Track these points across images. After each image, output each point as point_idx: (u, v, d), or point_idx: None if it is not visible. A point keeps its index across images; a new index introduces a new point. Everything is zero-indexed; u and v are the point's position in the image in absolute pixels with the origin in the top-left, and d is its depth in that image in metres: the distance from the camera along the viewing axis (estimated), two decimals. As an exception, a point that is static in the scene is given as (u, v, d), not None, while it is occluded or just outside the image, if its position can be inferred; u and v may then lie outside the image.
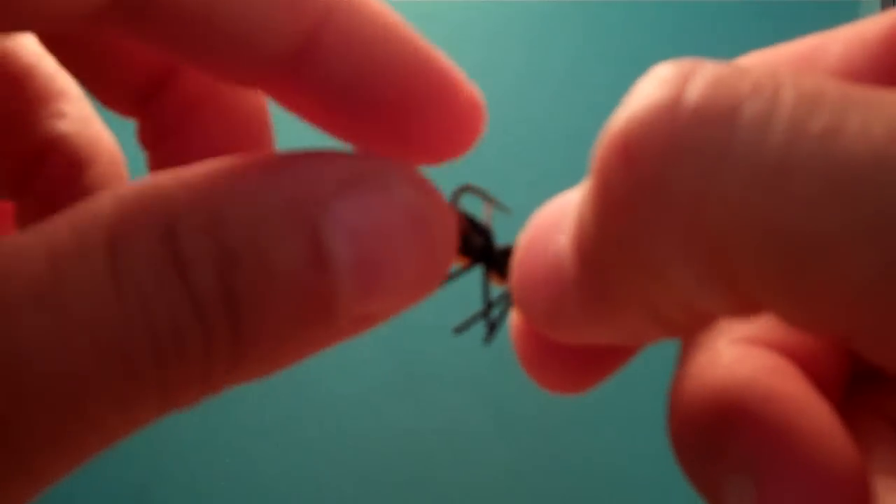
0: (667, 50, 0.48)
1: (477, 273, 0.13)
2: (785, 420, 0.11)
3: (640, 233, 0.09)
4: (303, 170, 0.11)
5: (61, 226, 0.10)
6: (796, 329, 0.10)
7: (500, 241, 0.13)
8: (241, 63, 0.11)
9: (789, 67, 0.13)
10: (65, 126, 0.15)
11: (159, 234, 0.10)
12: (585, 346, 0.13)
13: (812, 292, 0.09)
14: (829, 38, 0.13)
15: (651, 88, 0.10)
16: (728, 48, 0.50)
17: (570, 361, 0.13)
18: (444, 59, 0.12)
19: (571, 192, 0.12)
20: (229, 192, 0.10)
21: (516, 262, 0.12)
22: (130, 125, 0.15)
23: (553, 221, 0.12)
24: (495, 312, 0.14)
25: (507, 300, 0.13)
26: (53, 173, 0.15)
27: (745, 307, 0.10)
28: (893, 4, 0.60)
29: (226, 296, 0.10)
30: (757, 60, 0.13)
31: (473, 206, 0.13)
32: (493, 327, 0.14)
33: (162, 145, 0.14)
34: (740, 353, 0.12)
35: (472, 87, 0.13)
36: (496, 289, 0.14)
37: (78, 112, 0.15)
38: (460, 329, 0.14)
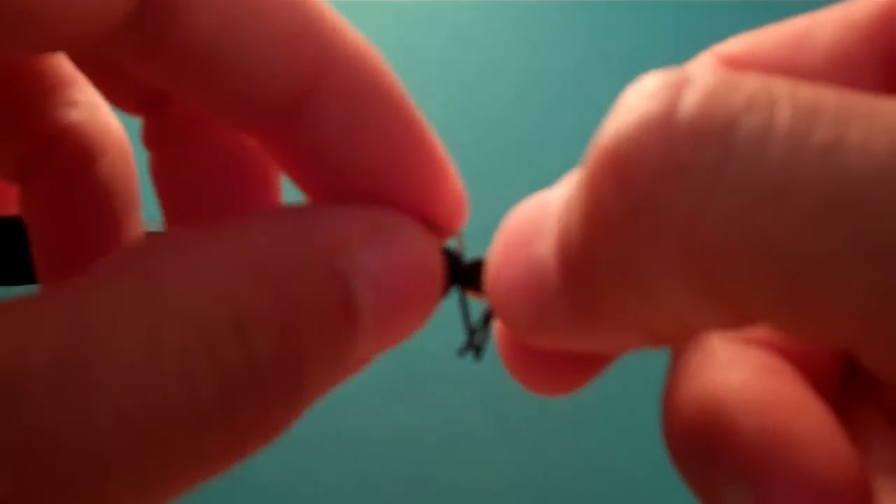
0: (667, 50, 0.48)
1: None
2: (781, 425, 0.11)
3: (633, 251, 0.09)
4: (330, 224, 0.11)
5: (92, 288, 0.09)
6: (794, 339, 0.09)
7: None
8: (238, 106, 0.12)
9: (781, 53, 0.12)
10: (76, 115, 0.15)
11: (217, 292, 0.10)
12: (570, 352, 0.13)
13: (814, 311, 0.08)
14: (819, 20, 0.12)
15: (641, 101, 0.09)
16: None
17: (555, 365, 0.13)
18: (435, 138, 0.13)
19: (547, 194, 0.12)
20: (274, 251, 0.11)
21: (494, 270, 0.12)
22: (134, 123, 0.15)
23: (531, 227, 0.12)
24: (479, 330, 0.14)
25: (488, 313, 0.14)
26: (63, 161, 0.14)
27: (741, 321, 0.09)
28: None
29: (285, 355, 0.10)
30: (746, 45, 0.12)
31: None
32: (478, 349, 0.14)
33: (166, 148, 0.14)
34: (734, 353, 0.12)
35: (456, 176, 0.13)
36: (476, 302, 0.14)
37: (89, 101, 0.15)
38: (464, 352, 0.15)
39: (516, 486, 0.48)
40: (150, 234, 0.14)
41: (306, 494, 0.48)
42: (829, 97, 0.09)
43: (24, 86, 0.14)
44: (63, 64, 0.14)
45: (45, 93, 0.14)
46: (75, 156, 0.14)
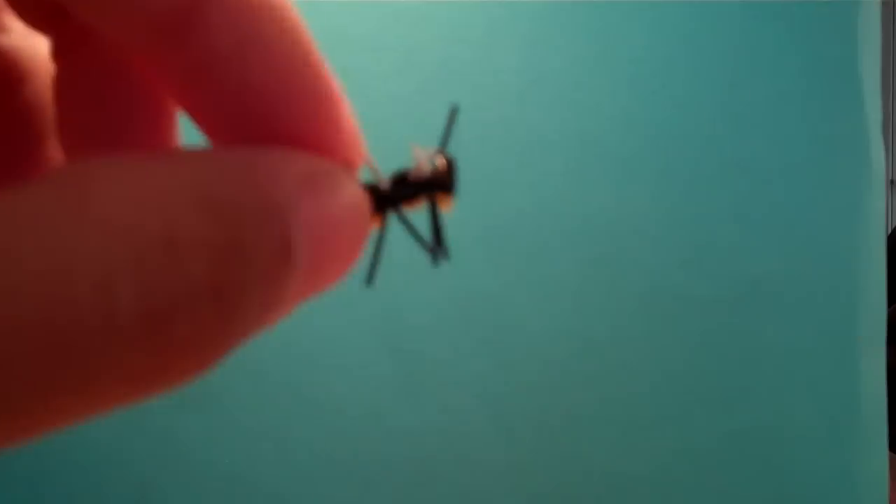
0: (667, 50, 0.48)
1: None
2: None
3: None
4: (271, 163, 0.11)
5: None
6: None
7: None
8: (124, 17, 0.11)
9: None
10: (8, 40, 0.15)
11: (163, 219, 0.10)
12: None
13: None
14: None
15: None
16: (728, 48, 0.50)
17: None
18: (328, 69, 0.13)
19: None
20: (223, 184, 0.11)
21: None
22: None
23: None
24: (436, 228, 0.15)
25: (433, 209, 0.14)
26: None
27: None
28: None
29: (218, 281, 0.10)
30: None
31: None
32: (440, 246, 0.15)
33: (69, 59, 0.14)
34: None
35: (349, 107, 0.13)
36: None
37: (20, 26, 0.15)
38: (434, 256, 0.15)
39: (516, 486, 0.48)
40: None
41: (306, 494, 0.48)
42: None
43: None
44: None
45: None
46: (7, 80, 0.14)
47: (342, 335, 0.47)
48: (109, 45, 0.13)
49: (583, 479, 0.48)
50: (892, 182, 1.91)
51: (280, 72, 0.12)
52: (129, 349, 0.09)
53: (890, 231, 1.16)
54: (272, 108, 0.12)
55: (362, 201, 0.13)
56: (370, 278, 0.15)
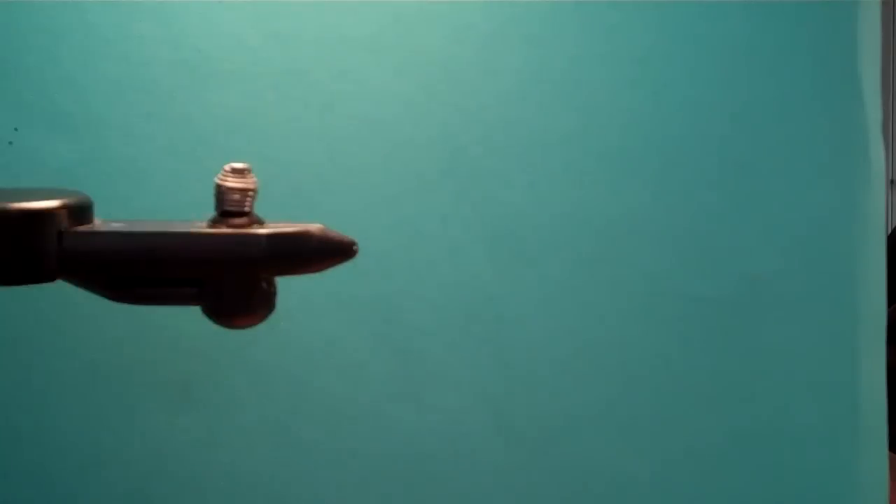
0: (667, 50, 0.48)
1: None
2: None
3: None
4: None
5: None
6: None
7: None
8: None
9: None
10: None
11: None
12: None
13: None
14: None
15: None
16: (728, 48, 0.50)
17: None
18: None
19: None
20: None
21: None
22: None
23: None
24: None
25: None
26: None
27: None
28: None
29: None
30: None
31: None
32: None
33: None
34: None
35: None
36: None
37: None
38: None
39: (516, 486, 0.48)
40: None
41: (305, 494, 0.48)
42: None
43: None
44: None
45: None
46: None
47: (342, 335, 0.47)
48: None
49: (583, 479, 0.48)
50: (892, 182, 1.91)
51: None
52: None
53: (890, 231, 1.16)
54: None
55: None
56: None
